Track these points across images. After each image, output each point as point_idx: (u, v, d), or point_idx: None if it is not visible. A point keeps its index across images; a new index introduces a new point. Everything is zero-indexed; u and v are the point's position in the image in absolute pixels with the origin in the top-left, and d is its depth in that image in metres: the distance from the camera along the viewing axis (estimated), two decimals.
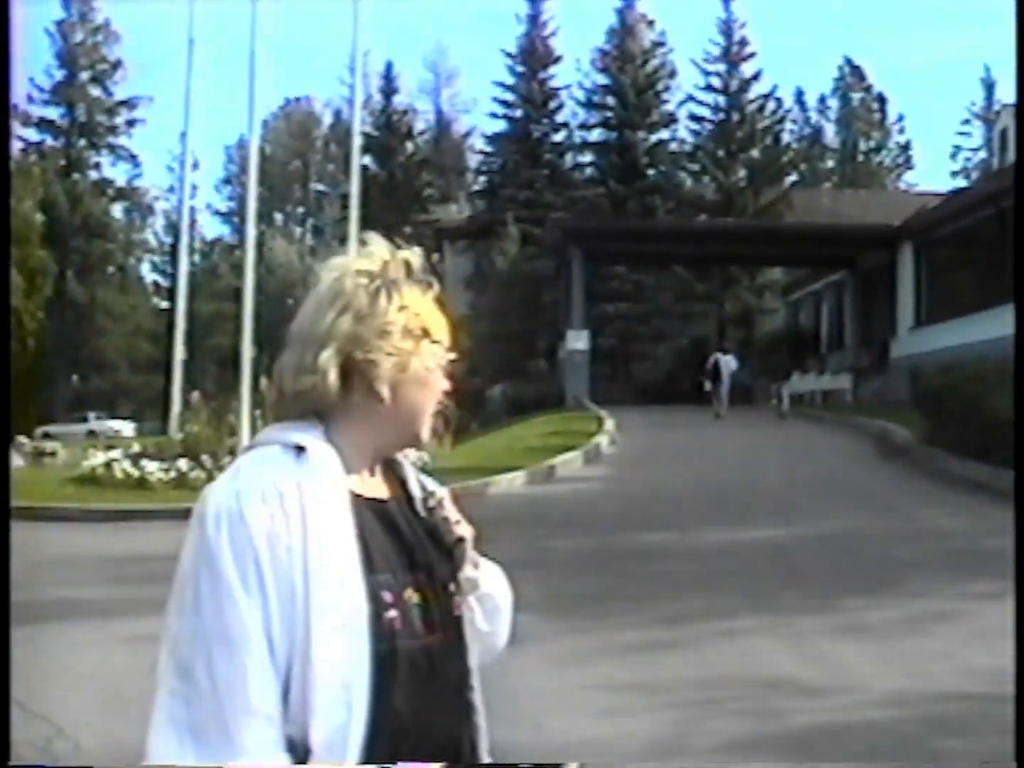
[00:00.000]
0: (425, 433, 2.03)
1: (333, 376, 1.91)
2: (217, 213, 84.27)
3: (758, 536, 13.24)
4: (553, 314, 41.48)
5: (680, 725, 6.75)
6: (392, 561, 1.92)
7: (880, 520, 14.17)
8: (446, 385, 2.06)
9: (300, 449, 1.89)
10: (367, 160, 52.41)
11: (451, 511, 2.06)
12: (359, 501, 1.92)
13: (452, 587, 2.00)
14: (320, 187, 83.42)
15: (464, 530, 2.05)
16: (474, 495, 17.29)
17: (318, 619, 1.79)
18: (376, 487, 2.00)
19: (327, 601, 1.80)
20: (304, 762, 1.79)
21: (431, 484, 2.11)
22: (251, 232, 22.14)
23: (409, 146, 62.19)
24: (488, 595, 2.11)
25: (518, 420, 30.07)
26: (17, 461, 25.89)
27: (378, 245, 2.05)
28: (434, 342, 2.02)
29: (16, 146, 71.19)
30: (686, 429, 26.46)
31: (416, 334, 1.98)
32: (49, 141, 71.49)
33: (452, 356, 2.07)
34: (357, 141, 24.68)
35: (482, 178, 56.34)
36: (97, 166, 72.48)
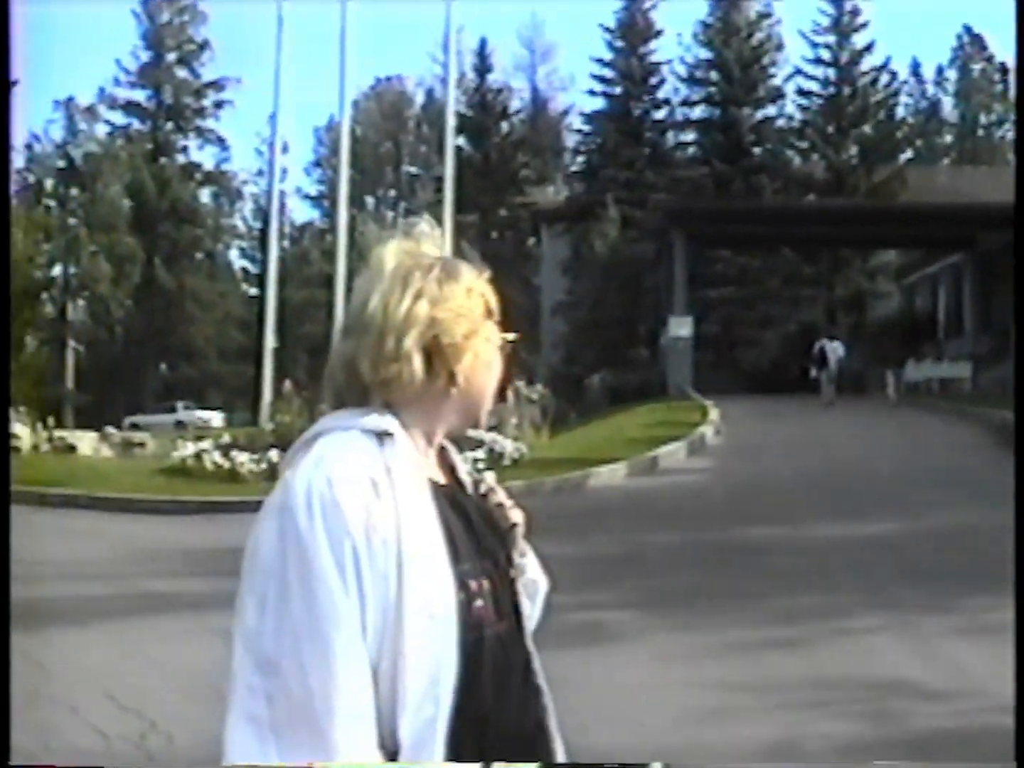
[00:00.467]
0: (485, 416, 2.06)
1: (418, 363, 1.94)
2: (307, 197, 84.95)
3: (873, 530, 13.10)
4: (655, 299, 41.26)
5: (793, 727, 6.69)
6: (469, 548, 1.94)
7: (1003, 515, 13.89)
8: (508, 358, 2.08)
9: (381, 435, 1.92)
10: (461, 141, 52.39)
11: (503, 496, 2.10)
12: (435, 488, 1.95)
13: (511, 573, 2.04)
14: (413, 169, 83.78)
15: (517, 515, 2.09)
16: (573, 487, 17.32)
17: (410, 612, 1.80)
18: (438, 474, 2.03)
19: (420, 593, 1.81)
20: (392, 760, 1.80)
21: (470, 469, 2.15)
22: (343, 216, 22.35)
23: (504, 126, 62.12)
24: (532, 580, 2.14)
25: (619, 410, 29.96)
26: (106, 452, 26.36)
27: (427, 226, 2.08)
28: (496, 323, 2.06)
29: (102, 130, 72.61)
30: (794, 418, 26.24)
31: (483, 316, 2.03)
32: (136, 124, 72.56)
33: (511, 336, 2.09)
34: (451, 121, 24.82)
35: (580, 158, 56.16)
36: (184, 150, 73.42)
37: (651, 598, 10.20)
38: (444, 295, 1.97)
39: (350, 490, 1.82)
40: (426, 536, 1.85)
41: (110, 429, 30.64)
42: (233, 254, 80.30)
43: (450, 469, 2.08)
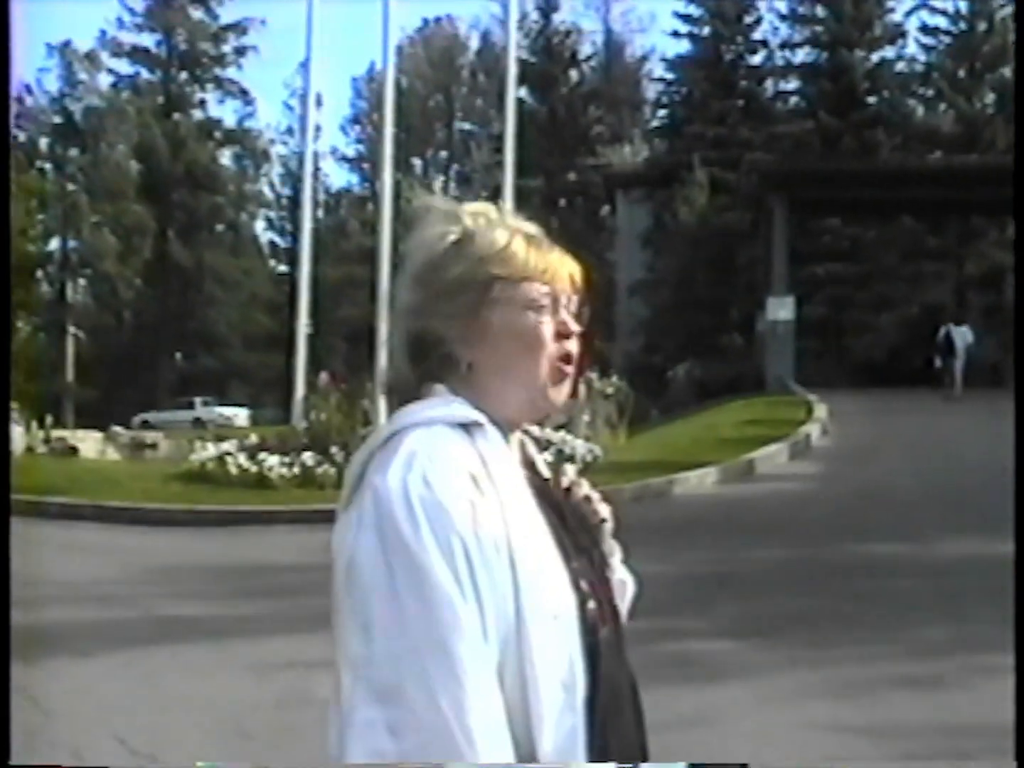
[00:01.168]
0: (555, 395, 2.06)
1: (402, 357, 2.06)
2: (344, 159, 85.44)
3: (1011, 548, 12.95)
4: (750, 277, 41.11)
5: None
6: (571, 546, 2.01)
7: None
8: (570, 328, 2.07)
9: (469, 426, 1.98)
10: (523, 93, 52.55)
11: (588, 488, 2.18)
12: (530, 481, 2.04)
13: (607, 573, 2.12)
14: (467, 126, 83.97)
15: (604, 509, 2.18)
16: (656, 496, 17.29)
17: (531, 614, 1.86)
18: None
19: (538, 593, 1.88)
20: None
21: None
22: (387, 182, 22.35)
23: (573, 75, 62.23)
24: (620, 582, 2.21)
25: (708, 406, 29.98)
26: (113, 454, 26.62)
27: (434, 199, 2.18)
28: (522, 280, 2.05)
29: (105, 80, 73.15)
30: (915, 416, 26.07)
31: (483, 281, 2.04)
32: (144, 74, 73.02)
33: (544, 290, 2.07)
34: (511, 70, 24.71)
35: (662, 112, 56.20)
36: (202, 104, 73.92)
37: (749, 626, 10.16)
38: (438, 273, 2.05)
39: (451, 488, 1.88)
40: (534, 532, 1.93)
41: (117, 428, 31.02)
42: (259, 225, 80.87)
43: (529, 464, 2.13)
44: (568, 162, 57.61)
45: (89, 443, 26.44)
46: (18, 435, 24.21)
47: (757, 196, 38.68)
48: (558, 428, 20.81)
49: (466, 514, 1.85)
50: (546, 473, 2.15)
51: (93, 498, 17.79)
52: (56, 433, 26.24)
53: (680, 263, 43.11)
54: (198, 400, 59.47)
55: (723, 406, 28.95)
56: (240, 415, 56.34)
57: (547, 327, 2.04)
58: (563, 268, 2.08)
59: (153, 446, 28.46)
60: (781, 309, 35.53)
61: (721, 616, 10.53)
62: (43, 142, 72.10)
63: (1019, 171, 22.47)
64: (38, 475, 20.02)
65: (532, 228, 2.12)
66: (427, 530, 1.83)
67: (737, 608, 10.86)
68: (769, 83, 52.11)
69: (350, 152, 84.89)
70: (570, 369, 2.05)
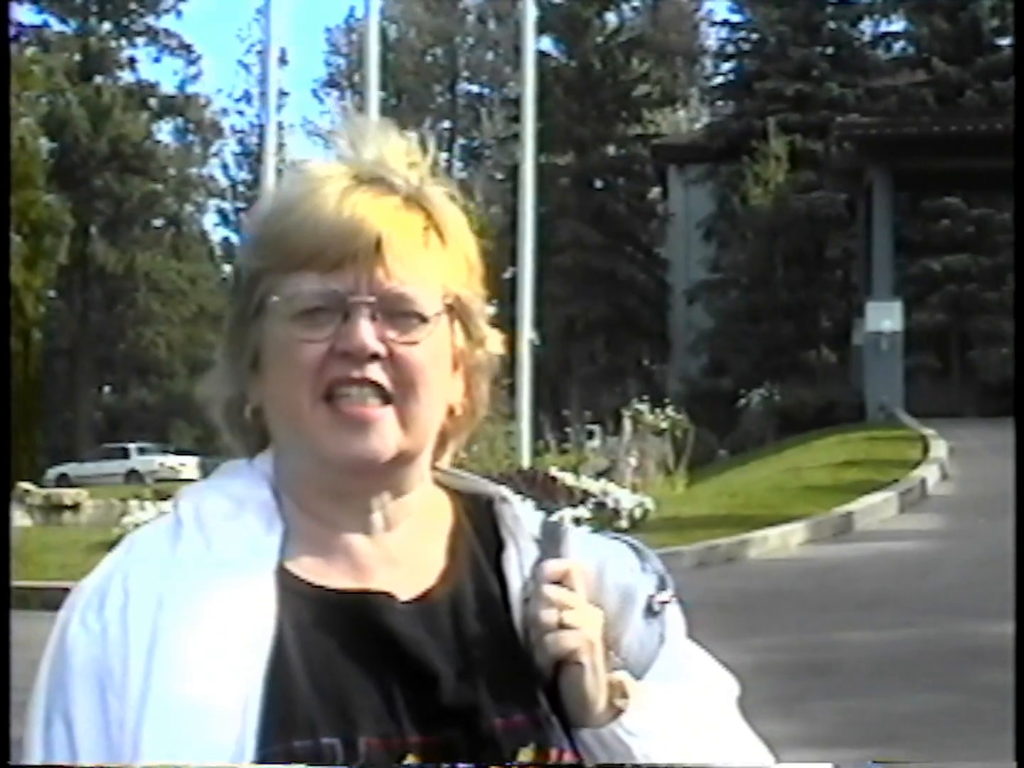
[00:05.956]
0: (345, 447, 1.79)
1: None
2: (317, 135, 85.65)
3: None
4: (844, 276, 41.10)
5: None
6: (366, 705, 1.76)
7: None
8: (358, 345, 1.76)
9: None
10: (546, 44, 52.66)
11: (549, 609, 1.79)
12: (308, 595, 1.81)
13: (531, 746, 1.77)
14: (474, 88, 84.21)
15: (569, 641, 1.78)
16: (724, 560, 17.27)
17: None
18: (384, 566, 1.84)
19: None
20: None
21: (579, 543, 1.89)
22: None
23: (611, 18, 62.37)
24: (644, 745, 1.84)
25: (791, 443, 29.96)
26: (21, 519, 26.58)
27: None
28: (291, 271, 1.81)
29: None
30: None
31: (250, 275, 1.87)
32: (56, 26, 73.16)
33: (396, 293, 1.80)
34: (530, 14, 24.78)
35: (727, 65, 56.20)
36: (131, 63, 74.06)
37: (852, 731, 10.09)
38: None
39: (88, 616, 1.81)
40: (211, 686, 1.73)
41: (26, 485, 30.93)
42: (209, 220, 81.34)
43: (496, 550, 1.90)
44: (606, 132, 57.62)
45: None
46: None
47: (853, 170, 38.67)
48: (598, 476, 20.79)
49: (83, 656, 1.77)
50: (513, 573, 1.86)
51: None
52: None
53: (752, 259, 43.12)
54: (132, 447, 59.56)
55: (811, 443, 28.96)
56: (188, 465, 56.26)
57: (313, 346, 1.78)
58: (399, 247, 1.82)
59: (74, 507, 28.44)
60: (885, 317, 35.53)
61: (814, 719, 10.46)
62: None
63: (1019, 174, 23.92)
64: None
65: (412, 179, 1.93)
66: (46, 671, 1.79)
67: (834, 707, 10.82)
68: (866, 23, 52.17)
69: (324, 124, 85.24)
70: (368, 411, 1.77)
